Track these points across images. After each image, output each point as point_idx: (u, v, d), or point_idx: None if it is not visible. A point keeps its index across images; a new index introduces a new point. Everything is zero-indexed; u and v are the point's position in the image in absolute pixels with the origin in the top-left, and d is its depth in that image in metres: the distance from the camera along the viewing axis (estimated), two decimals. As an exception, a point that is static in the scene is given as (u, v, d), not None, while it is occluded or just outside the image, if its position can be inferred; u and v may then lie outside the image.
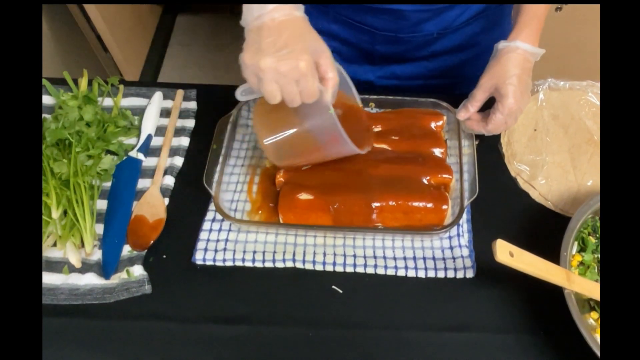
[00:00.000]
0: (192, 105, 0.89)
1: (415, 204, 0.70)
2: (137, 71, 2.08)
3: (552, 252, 0.63)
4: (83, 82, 0.88)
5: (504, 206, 0.76)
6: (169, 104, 0.89)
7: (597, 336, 0.61)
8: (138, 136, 0.84)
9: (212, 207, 0.76)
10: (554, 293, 0.61)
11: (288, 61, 0.56)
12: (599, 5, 1.29)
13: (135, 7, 2.08)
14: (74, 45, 1.77)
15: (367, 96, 0.84)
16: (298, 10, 0.60)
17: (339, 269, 0.70)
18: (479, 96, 0.75)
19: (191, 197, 0.78)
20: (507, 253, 0.57)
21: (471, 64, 0.94)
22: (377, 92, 0.85)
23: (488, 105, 0.76)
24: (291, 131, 0.69)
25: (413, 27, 0.86)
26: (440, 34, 0.88)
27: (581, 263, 0.66)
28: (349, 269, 0.70)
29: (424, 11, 0.83)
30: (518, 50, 0.71)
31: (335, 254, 0.71)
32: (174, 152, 0.83)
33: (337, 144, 0.68)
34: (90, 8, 1.70)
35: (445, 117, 0.81)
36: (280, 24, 0.58)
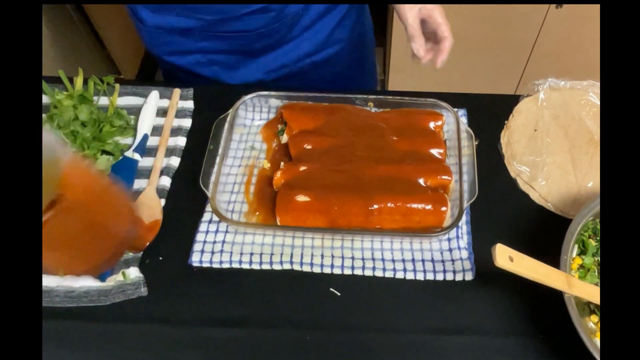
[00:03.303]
0: (189, 104, 0.88)
1: (414, 205, 0.70)
2: (134, 68, 2.06)
3: (552, 254, 0.63)
4: (78, 81, 0.87)
5: (504, 208, 0.76)
6: (165, 103, 0.88)
7: (597, 340, 0.60)
8: (134, 136, 0.83)
9: (208, 208, 0.75)
10: (554, 295, 0.61)
11: None
12: (598, 4, 1.28)
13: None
14: (70, 42, 1.76)
15: (365, 96, 0.83)
16: None
17: (337, 271, 0.70)
18: (417, 32, 0.79)
19: (188, 198, 0.77)
20: (506, 258, 0.56)
21: (348, 20, 0.96)
22: (377, 93, 0.84)
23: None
24: None
25: (278, 15, 0.86)
26: (305, 8, 0.88)
27: (581, 266, 0.65)
28: (347, 272, 0.70)
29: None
30: None
31: (333, 256, 0.71)
32: (170, 152, 0.82)
33: None
34: (87, 5, 1.69)
35: (444, 117, 0.80)
36: None
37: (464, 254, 0.70)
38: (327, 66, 0.99)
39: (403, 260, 0.70)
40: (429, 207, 0.69)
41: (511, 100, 0.86)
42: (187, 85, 0.91)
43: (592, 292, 0.61)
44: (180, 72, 0.98)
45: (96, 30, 1.80)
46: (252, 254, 0.71)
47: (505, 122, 0.84)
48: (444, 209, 0.69)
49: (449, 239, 0.72)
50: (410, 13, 0.78)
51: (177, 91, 0.89)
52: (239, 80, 0.96)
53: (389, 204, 0.70)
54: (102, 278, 0.69)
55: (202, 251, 0.71)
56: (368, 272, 0.70)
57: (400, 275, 0.69)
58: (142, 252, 0.72)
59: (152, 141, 0.83)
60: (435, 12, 0.78)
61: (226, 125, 0.78)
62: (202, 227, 0.74)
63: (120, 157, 0.81)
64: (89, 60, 1.91)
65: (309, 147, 0.77)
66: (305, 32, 0.93)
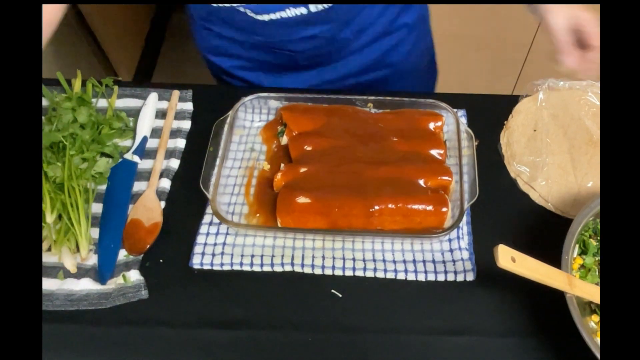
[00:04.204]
0: (188, 106, 0.88)
1: (415, 206, 0.69)
2: (131, 70, 2.06)
3: (552, 254, 0.63)
4: (77, 83, 0.87)
5: (504, 208, 0.76)
6: (164, 105, 0.88)
7: (598, 340, 0.61)
8: (133, 138, 0.83)
9: (209, 210, 0.75)
10: (555, 295, 0.61)
11: None
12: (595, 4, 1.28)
13: (129, 4, 2.06)
14: (66, 44, 1.75)
15: (365, 97, 0.83)
16: None
17: (338, 272, 0.70)
18: (569, 46, 0.68)
19: (188, 200, 0.77)
20: (508, 258, 0.56)
21: (402, 46, 0.94)
22: (376, 94, 0.84)
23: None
24: None
25: (329, 41, 0.86)
26: (357, 34, 0.88)
27: (582, 266, 0.65)
28: (348, 273, 0.70)
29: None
30: None
31: (334, 258, 0.71)
32: (170, 154, 0.81)
33: None
34: (84, 6, 1.68)
35: (444, 118, 0.80)
36: None
37: (465, 254, 0.70)
38: (371, 89, 0.93)
39: (404, 261, 0.70)
40: (429, 208, 0.69)
41: (510, 101, 0.87)
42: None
43: (593, 292, 0.62)
44: (224, 73, 0.99)
45: (93, 32, 1.79)
46: (252, 255, 0.71)
47: (505, 122, 0.85)
48: (444, 209, 0.69)
49: (449, 240, 0.72)
50: (559, 23, 0.67)
51: (176, 93, 0.89)
52: (278, 85, 0.96)
53: (389, 205, 0.70)
54: (102, 281, 0.69)
55: (203, 253, 0.71)
56: (369, 273, 0.69)
57: (401, 276, 0.69)
58: (142, 255, 0.72)
59: (152, 143, 0.83)
60: (592, 23, 0.66)
61: (226, 127, 0.78)
62: (203, 229, 0.73)
63: (120, 160, 0.80)
64: (85, 62, 1.90)
65: (309, 148, 0.77)
66: (353, 55, 0.92)
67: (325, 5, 0.78)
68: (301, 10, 0.78)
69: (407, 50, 0.96)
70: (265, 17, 0.79)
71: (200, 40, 0.95)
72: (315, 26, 0.83)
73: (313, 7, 0.78)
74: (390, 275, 0.69)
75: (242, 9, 0.79)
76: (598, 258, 0.66)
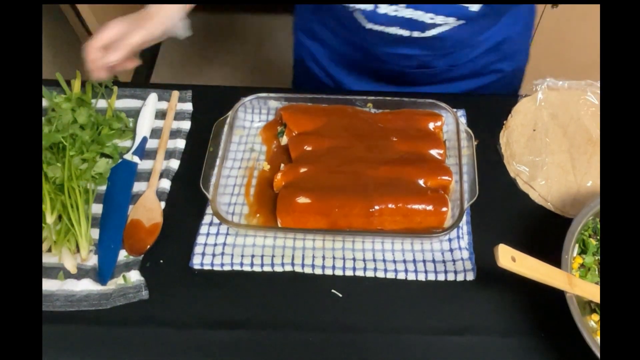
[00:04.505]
0: (188, 106, 0.88)
1: (415, 206, 0.70)
2: (130, 71, 2.05)
3: (552, 254, 0.63)
4: (76, 84, 0.87)
5: (504, 207, 0.76)
6: (164, 105, 0.88)
7: (599, 339, 0.61)
8: (133, 138, 0.83)
9: (209, 210, 0.75)
10: (555, 295, 0.61)
11: None
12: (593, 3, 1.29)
13: (127, 5, 2.05)
14: (65, 44, 1.75)
15: (364, 97, 0.83)
16: None
17: (339, 272, 0.70)
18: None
19: (188, 200, 0.77)
20: (509, 258, 0.56)
21: (492, 87, 0.95)
22: (376, 94, 0.84)
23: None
24: None
25: (420, 65, 0.87)
26: (449, 69, 0.89)
27: (582, 265, 0.66)
28: (349, 273, 0.70)
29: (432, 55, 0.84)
30: None
31: (334, 258, 0.71)
32: (169, 154, 0.81)
33: None
34: (82, 6, 1.68)
35: (443, 118, 0.80)
36: None
37: (465, 254, 0.70)
38: None
39: (404, 261, 0.70)
40: (429, 207, 0.70)
41: (509, 100, 0.87)
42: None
43: (593, 291, 0.62)
44: (311, 58, 0.98)
45: (91, 32, 1.79)
46: (253, 256, 0.71)
47: (504, 122, 0.85)
48: (444, 209, 0.70)
49: (449, 240, 0.72)
50: None
51: (175, 93, 0.89)
52: (350, 84, 0.97)
53: (389, 205, 0.70)
54: (102, 281, 0.69)
55: (203, 254, 0.71)
56: (369, 273, 0.70)
57: (401, 276, 0.69)
58: (142, 255, 0.72)
59: (151, 144, 0.83)
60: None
61: (225, 127, 0.78)
62: (203, 229, 0.73)
63: (120, 160, 0.80)
64: (83, 62, 1.90)
65: (309, 148, 0.77)
66: (442, 83, 0.93)
67: (427, 34, 0.79)
68: (403, 32, 0.79)
69: (495, 89, 0.96)
70: (374, 27, 0.80)
71: (300, 20, 0.96)
72: (414, 48, 0.83)
73: (416, 33, 0.79)
74: (390, 275, 0.69)
75: (355, 11, 0.79)
76: (598, 257, 0.66)
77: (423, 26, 0.77)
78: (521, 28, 0.93)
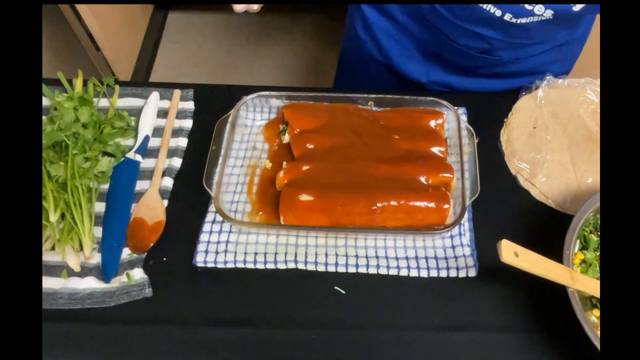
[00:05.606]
0: (190, 105, 0.88)
1: (417, 203, 0.70)
2: (129, 69, 2.05)
3: (553, 250, 0.63)
4: (78, 83, 0.87)
5: (505, 204, 0.76)
6: (165, 104, 0.88)
7: (600, 334, 0.61)
8: (135, 137, 0.83)
9: (212, 208, 0.75)
10: (557, 290, 0.61)
11: None
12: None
13: (127, 5, 2.06)
14: (64, 43, 1.75)
15: (365, 95, 0.83)
16: None
17: (341, 269, 0.70)
18: None
19: (190, 198, 0.77)
20: (512, 253, 0.57)
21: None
22: (377, 92, 0.84)
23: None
24: None
25: (485, 50, 0.86)
26: (510, 61, 0.89)
27: (583, 261, 0.66)
28: (351, 270, 0.70)
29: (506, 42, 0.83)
30: None
31: (337, 255, 0.71)
32: (172, 153, 0.82)
33: None
34: (81, 6, 1.68)
35: (445, 116, 0.81)
36: None
37: (467, 250, 0.71)
38: None
39: (407, 258, 0.71)
40: (431, 205, 0.70)
41: (510, 98, 0.87)
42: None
43: (594, 287, 0.62)
44: (364, 29, 0.97)
45: (90, 32, 1.79)
46: (256, 253, 0.71)
47: (505, 120, 0.85)
48: (446, 206, 0.70)
49: (451, 236, 0.72)
50: None
51: (177, 92, 0.89)
52: (404, 71, 0.97)
53: (392, 203, 0.70)
54: (106, 279, 0.69)
55: (206, 251, 0.71)
56: (372, 270, 0.70)
57: (404, 272, 0.70)
58: (145, 253, 0.72)
59: (154, 142, 0.83)
60: None
61: (228, 126, 0.78)
62: (206, 227, 0.74)
63: (122, 159, 0.81)
64: (83, 61, 1.90)
65: (311, 146, 0.78)
66: (492, 78, 0.93)
67: (519, 21, 0.77)
68: (496, 10, 0.76)
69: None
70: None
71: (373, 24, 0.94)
72: (497, 31, 0.81)
73: (508, 16, 0.76)
74: (393, 272, 0.70)
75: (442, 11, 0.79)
76: (598, 253, 0.67)
77: (520, 11, 0.75)
78: (581, 34, 0.93)
